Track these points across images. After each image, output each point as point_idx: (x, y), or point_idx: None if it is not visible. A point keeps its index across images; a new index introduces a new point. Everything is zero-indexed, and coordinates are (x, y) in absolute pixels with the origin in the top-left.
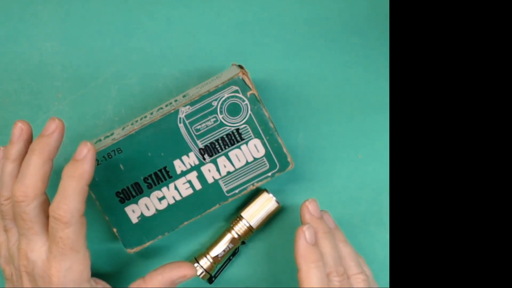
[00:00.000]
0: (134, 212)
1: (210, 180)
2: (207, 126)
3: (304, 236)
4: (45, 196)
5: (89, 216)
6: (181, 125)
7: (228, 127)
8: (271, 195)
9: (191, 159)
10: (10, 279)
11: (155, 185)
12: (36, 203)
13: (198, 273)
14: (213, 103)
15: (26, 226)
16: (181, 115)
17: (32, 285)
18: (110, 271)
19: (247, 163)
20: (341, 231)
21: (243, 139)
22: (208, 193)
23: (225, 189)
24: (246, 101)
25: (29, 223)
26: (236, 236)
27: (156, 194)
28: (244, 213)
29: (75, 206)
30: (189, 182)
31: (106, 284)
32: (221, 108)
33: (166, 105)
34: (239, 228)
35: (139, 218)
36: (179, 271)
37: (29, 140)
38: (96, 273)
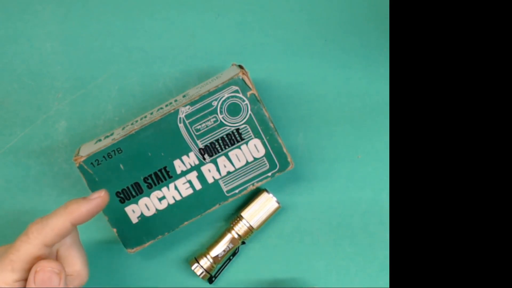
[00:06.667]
0: (134, 212)
1: (210, 180)
2: (207, 126)
3: None
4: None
5: None
6: (181, 125)
7: (228, 127)
8: (271, 195)
9: (191, 159)
10: None
11: (155, 185)
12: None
13: (198, 273)
14: (213, 103)
15: (10, 257)
16: (181, 115)
17: None
18: (110, 271)
19: (247, 163)
20: None
21: (243, 139)
22: (208, 193)
23: (225, 189)
24: (246, 101)
25: (13, 256)
26: (236, 236)
27: (156, 194)
28: (244, 213)
29: (45, 236)
30: (189, 182)
31: None
32: (221, 108)
33: (166, 105)
34: (239, 228)
35: (139, 218)
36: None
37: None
38: (96, 273)
